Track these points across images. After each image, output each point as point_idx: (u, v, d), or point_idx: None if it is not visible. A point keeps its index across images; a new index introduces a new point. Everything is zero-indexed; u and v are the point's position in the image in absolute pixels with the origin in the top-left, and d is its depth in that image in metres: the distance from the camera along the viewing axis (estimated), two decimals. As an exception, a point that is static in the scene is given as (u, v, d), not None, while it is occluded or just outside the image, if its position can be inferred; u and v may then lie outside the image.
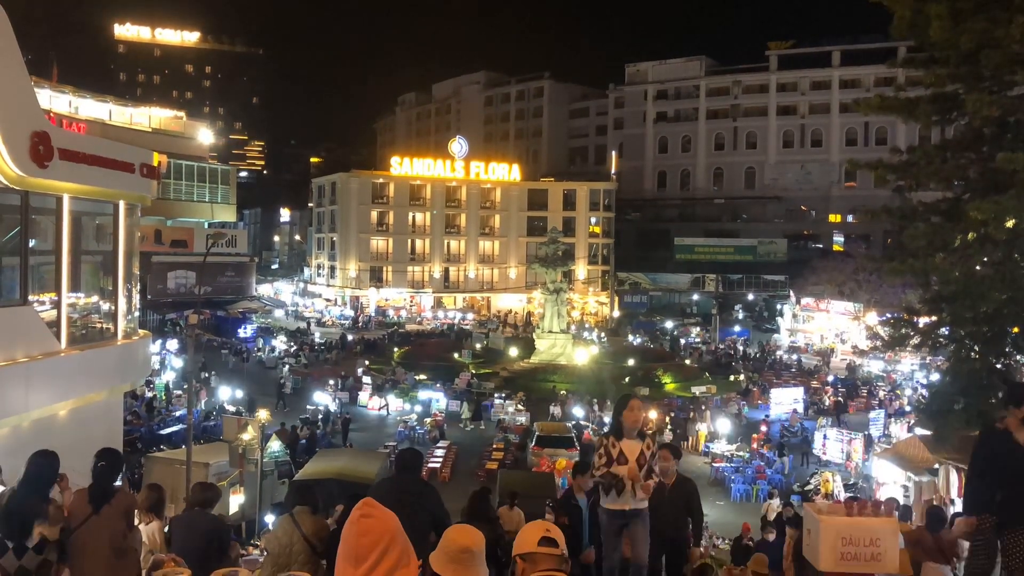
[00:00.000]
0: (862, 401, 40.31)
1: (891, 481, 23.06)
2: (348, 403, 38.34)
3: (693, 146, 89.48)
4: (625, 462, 6.44)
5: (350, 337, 58.12)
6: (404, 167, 77.62)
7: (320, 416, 34.60)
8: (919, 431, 23.70)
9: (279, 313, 73.22)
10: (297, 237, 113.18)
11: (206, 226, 64.97)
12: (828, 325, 58.32)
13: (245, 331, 57.37)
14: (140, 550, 6.28)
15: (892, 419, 33.96)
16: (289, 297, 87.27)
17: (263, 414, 25.74)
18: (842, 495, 22.90)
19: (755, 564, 10.62)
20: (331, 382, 41.00)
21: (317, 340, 57.59)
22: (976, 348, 17.90)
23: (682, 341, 61.62)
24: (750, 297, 76.17)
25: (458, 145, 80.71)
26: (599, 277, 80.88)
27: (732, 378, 46.62)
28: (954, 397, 17.71)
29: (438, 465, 27.78)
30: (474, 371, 46.04)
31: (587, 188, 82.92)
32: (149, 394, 34.69)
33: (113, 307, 13.12)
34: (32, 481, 5.42)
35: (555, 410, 36.73)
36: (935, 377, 28.18)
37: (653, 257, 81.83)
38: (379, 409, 38.35)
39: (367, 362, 47.82)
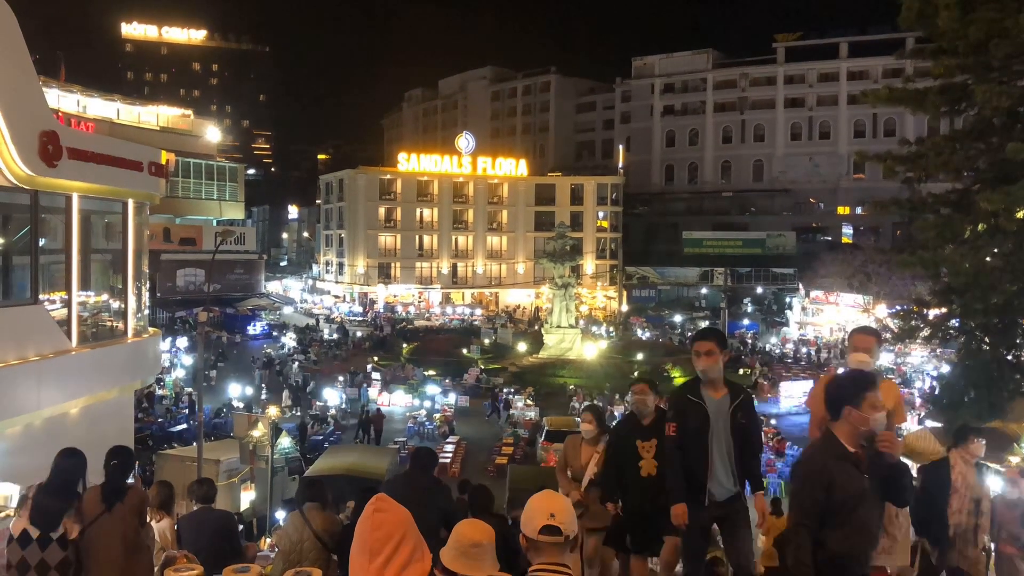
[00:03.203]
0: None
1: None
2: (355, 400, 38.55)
3: (700, 139, 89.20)
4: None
5: (359, 333, 58.26)
6: (411, 163, 77.64)
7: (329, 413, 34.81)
8: (929, 423, 23.64)
9: (288, 310, 73.43)
10: (305, 234, 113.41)
11: (215, 224, 65.15)
12: (837, 318, 58.13)
13: (254, 328, 57.59)
14: (153, 547, 6.32)
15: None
16: (298, 294, 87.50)
17: (273, 411, 25.82)
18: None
19: (765, 559, 10.63)
20: (340, 378, 41.13)
21: (326, 336, 57.75)
22: (987, 340, 17.85)
23: (688, 336, 61.46)
24: (759, 290, 75.94)
25: (465, 141, 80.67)
26: (607, 272, 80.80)
27: (741, 372, 46.53)
28: (965, 389, 17.66)
29: (448, 460, 27.82)
30: (483, 366, 46.10)
31: (594, 182, 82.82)
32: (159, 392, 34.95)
33: (123, 305, 13.17)
34: (62, 476, 5.49)
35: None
36: (945, 369, 28.09)
37: (661, 251, 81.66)
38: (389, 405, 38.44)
39: (376, 358, 47.99)
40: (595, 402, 37.15)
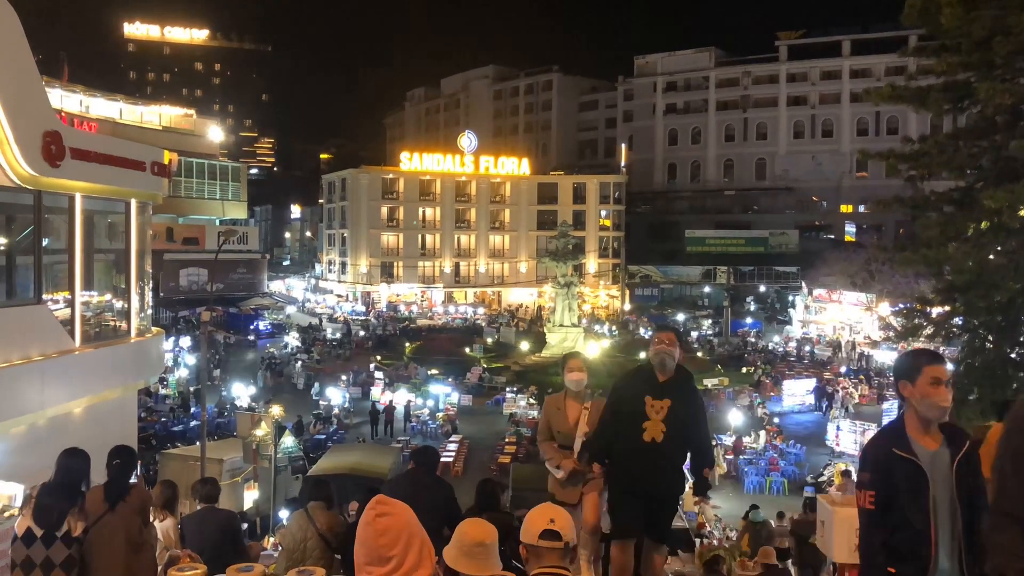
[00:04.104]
0: (875, 391, 40.16)
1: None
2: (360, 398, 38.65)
3: (703, 138, 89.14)
4: None
5: (361, 332, 58.30)
6: (414, 162, 77.69)
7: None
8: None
9: (291, 309, 73.51)
10: (308, 233, 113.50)
11: (217, 223, 65.24)
12: (840, 316, 58.06)
13: (257, 327, 57.59)
14: (156, 546, 6.32)
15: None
16: (301, 293, 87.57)
17: (276, 410, 25.86)
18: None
19: (763, 556, 10.64)
20: (343, 377, 41.16)
21: (329, 336, 57.79)
22: (990, 338, 17.82)
23: (693, 334, 61.40)
24: (762, 289, 75.87)
25: (467, 139, 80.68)
26: (610, 270, 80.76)
27: (744, 370, 46.50)
28: (968, 388, 17.59)
29: (451, 459, 27.84)
30: (485, 365, 46.12)
31: (597, 181, 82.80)
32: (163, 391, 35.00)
33: (126, 305, 13.18)
34: (66, 475, 5.52)
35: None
36: (949, 367, 28.03)
37: (664, 250, 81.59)
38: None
39: (379, 357, 48.03)
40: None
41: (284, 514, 17.38)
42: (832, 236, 78.20)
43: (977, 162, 18.03)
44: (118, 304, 13.66)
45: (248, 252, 70.25)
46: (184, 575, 5.65)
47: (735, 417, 33.68)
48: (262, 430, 20.19)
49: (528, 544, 3.03)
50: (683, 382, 5.95)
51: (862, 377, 43.06)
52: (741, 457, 29.37)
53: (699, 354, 51.93)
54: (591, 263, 77.55)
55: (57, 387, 10.76)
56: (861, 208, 76.60)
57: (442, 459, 26.88)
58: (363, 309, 72.31)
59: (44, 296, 11.02)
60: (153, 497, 7.14)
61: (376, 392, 38.99)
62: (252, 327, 57.56)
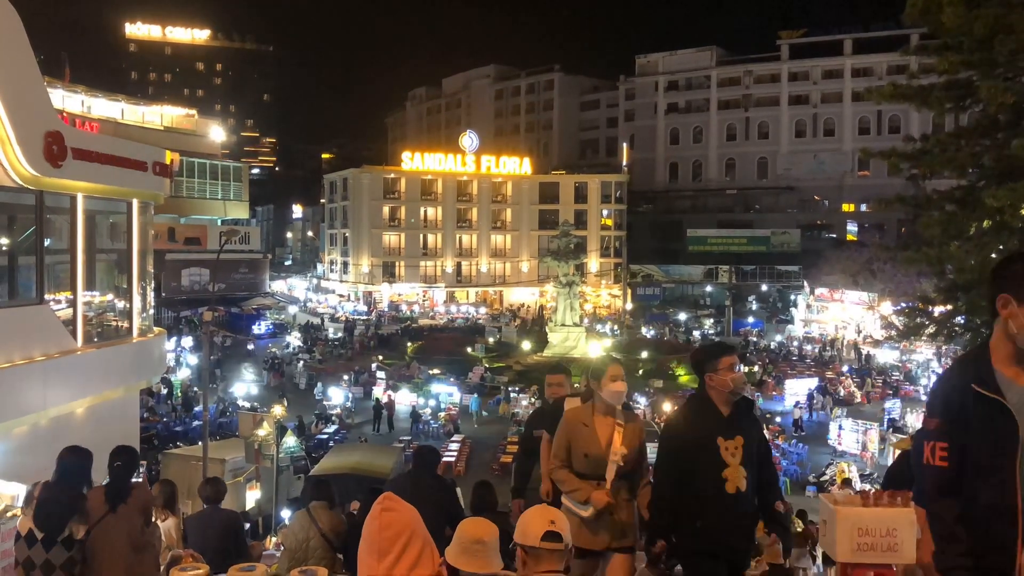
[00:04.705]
0: (877, 390, 40.17)
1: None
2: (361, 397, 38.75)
3: (705, 137, 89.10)
4: None
5: (358, 331, 58.35)
6: (415, 162, 77.71)
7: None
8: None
9: (293, 309, 73.55)
10: (310, 233, 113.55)
11: (219, 223, 65.22)
12: (842, 315, 58.04)
13: (259, 327, 57.63)
14: (159, 546, 6.32)
15: (908, 409, 33.83)
16: (302, 293, 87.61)
17: (278, 410, 25.85)
18: (858, 485, 22.85)
19: (770, 556, 10.66)
20: (345, 377, 41.17)
21: (331, 335, 57.82)
22: (992, 337, 17.77)
23: (695, 333, 61.40)
24: (764, 288, 75.83)
25: (469, 139, 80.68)
26: (612, 270, 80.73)
27: (746, 369, 46.45)
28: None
29: (453, 459, 27.85)
30: (487, 365, 46.10)
31: (599, 180, 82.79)
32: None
33: (128, 305, 13.20)
34: (67, 476, 5.52)
35: None
36: (951, 366, 28.02)
37: (666, 249, 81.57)
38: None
39: (380, 357, 48.05)
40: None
41: (286, 514, 17.38)
42: (834, 235, 78.11)
43: (979, 161, 18.00)
44: (120, 304, 13.68)
45: (250, 252, 70.26)
46: (187, 575, 5.65)
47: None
48: (264, 430, 20.20)
49: (528, 546, 2.99)
50: (748, 411, 5.05)
51: (850, 376, 43.15)
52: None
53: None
54: (593, 262, 77.56)
55: (59, 387, 10.77)
56: (863, 207, 76.49)
57: (444, 459, 26.91)
58: (365, 309, 72.34)
59: (46, 296, 11.03)
60: (154, 497, 7.15)
61: (378, 391, 39.08)
62: (253, 327, 57.59)
